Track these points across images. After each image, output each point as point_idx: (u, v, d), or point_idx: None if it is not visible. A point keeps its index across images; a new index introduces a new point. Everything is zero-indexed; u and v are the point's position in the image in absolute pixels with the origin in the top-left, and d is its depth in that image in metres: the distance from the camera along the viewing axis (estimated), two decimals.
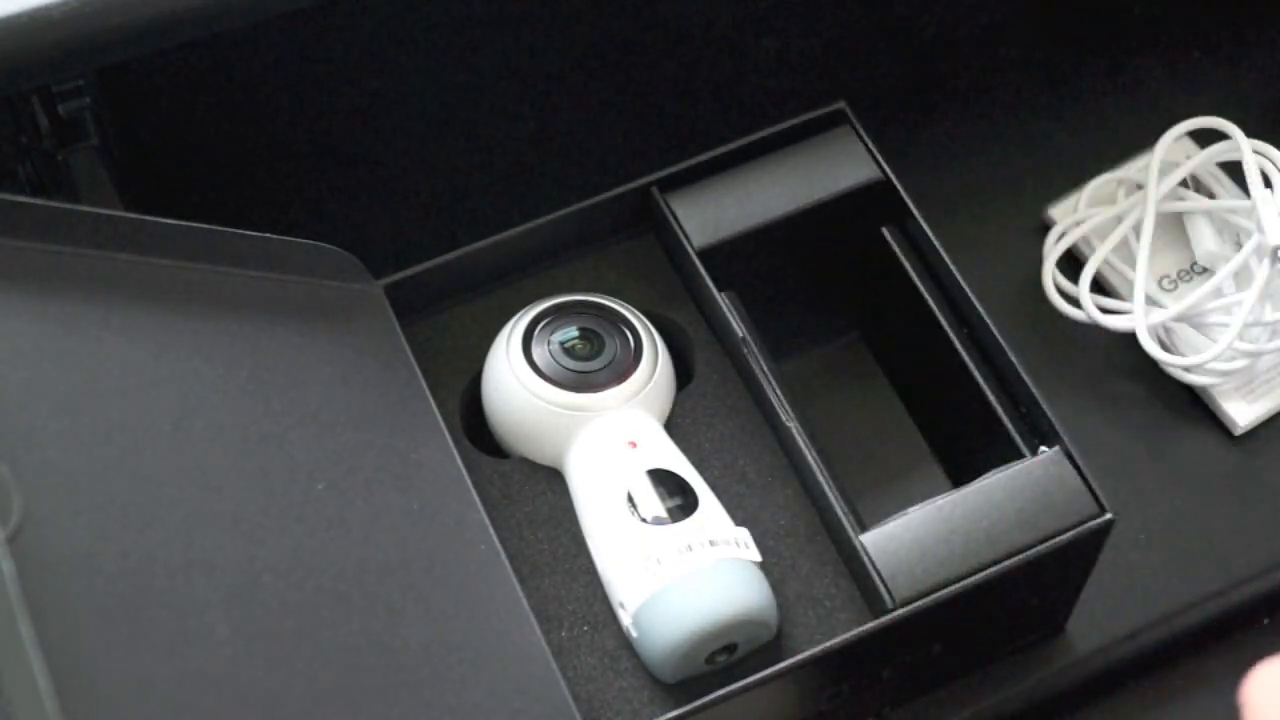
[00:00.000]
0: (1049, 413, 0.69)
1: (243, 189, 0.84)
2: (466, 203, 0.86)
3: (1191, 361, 0.79)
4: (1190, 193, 0.84)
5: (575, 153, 0.85)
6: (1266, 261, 0.78)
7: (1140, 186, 0.84)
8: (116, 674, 0.49)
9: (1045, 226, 0.86)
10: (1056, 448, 0.68)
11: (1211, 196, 0.84)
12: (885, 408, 0.80)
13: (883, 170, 0.75)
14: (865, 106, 0.76)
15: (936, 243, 0.73)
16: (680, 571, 0.66)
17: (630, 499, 0.68)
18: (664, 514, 0.68)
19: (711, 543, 0.67)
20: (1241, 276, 0.81)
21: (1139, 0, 0.92)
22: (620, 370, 0.71)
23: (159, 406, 0.59)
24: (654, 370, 0.72)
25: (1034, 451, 0.69)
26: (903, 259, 0.75)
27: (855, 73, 0.88)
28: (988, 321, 0.71)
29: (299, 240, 0.68)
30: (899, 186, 0.75)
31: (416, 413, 0.68)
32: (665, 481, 0.69)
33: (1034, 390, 0.70)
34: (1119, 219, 0.84)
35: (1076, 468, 0.68)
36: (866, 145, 0.76)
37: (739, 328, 0.72)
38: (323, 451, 0.63)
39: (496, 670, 0.62)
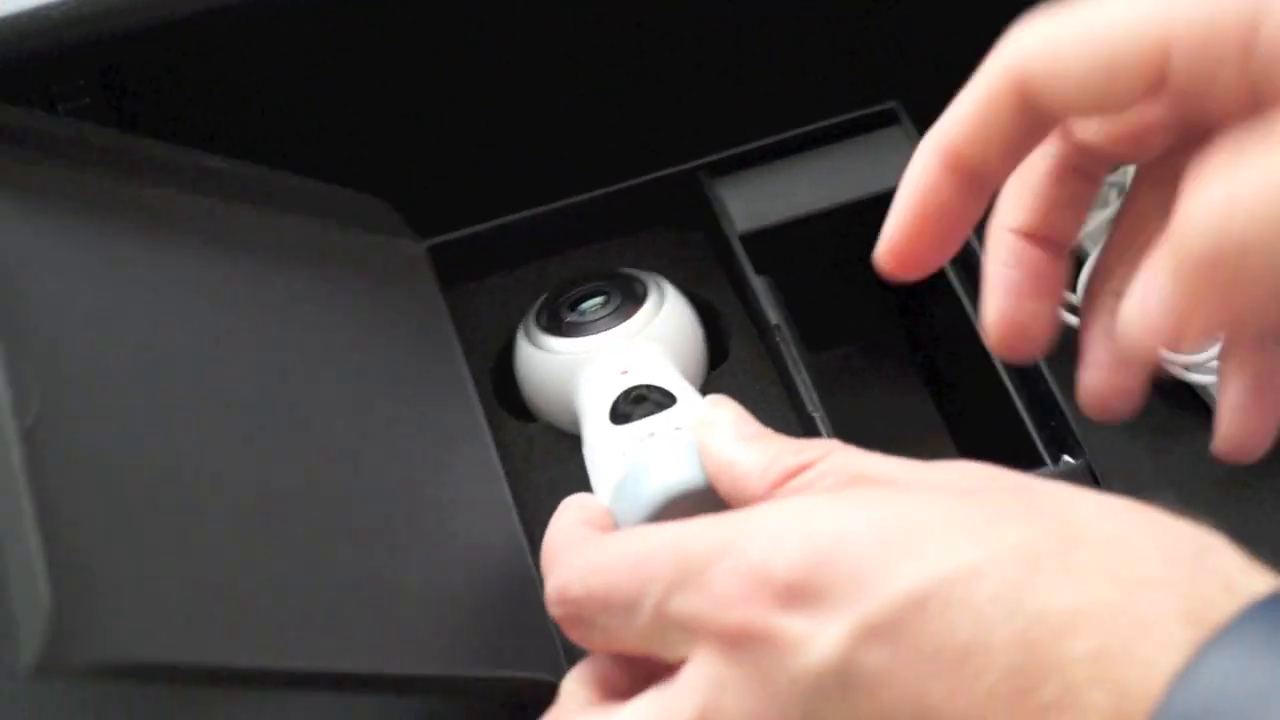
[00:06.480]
0: (1075, 427, 0.69)
1: None
2: (515, 174, 0.86)
3: (1191, 360, 0.79)
4: None
5: (627, 132, 0.85)
6: None
7: None
8: (113, 565, 0.50)
9: None
10: (1081, 460, 0.68)
11: None
12: (917, 408, 0.80)
13: None
14: (918, 107, 0.76)
15: (976, 246, 0.73)
16: (640, 455, 0.63)
17: (613, 412, 0.68)
18: (640, 415, 0.67)
19: (677, 429, 0.66)
20: None
21: None
22: (624, 314, 0.72)
23: (189, 329, 0.60)
24: (658, 310, 0.72)
25: (1056, 461, 0.69)
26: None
27: (910, 72, 0.87)
28: None
29: (343, 189, 0.69)
30: None
31: (445, 362, 0.69)
32: (651, 393, 0.68)
33: (1063, 405, 0.70)
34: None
35: (1096, 482, 0.68)
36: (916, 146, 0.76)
37: (773, 314, 0.72)
38: (346, 390, 0.64)
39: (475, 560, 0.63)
